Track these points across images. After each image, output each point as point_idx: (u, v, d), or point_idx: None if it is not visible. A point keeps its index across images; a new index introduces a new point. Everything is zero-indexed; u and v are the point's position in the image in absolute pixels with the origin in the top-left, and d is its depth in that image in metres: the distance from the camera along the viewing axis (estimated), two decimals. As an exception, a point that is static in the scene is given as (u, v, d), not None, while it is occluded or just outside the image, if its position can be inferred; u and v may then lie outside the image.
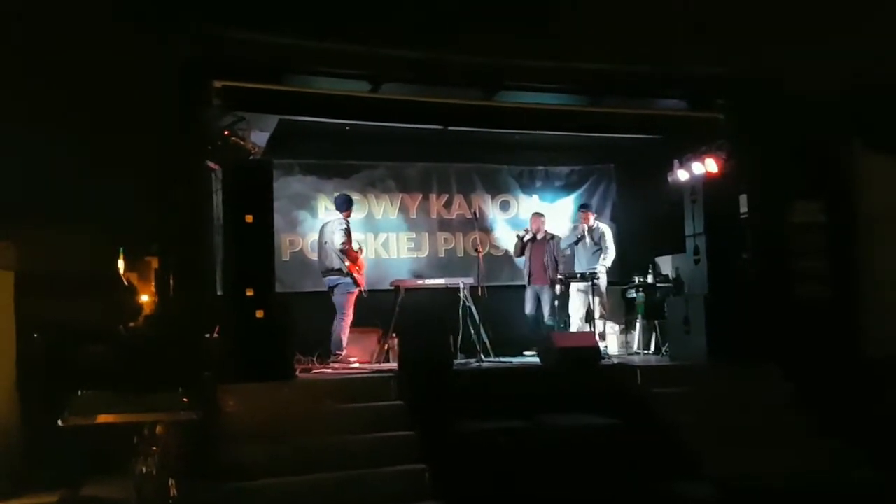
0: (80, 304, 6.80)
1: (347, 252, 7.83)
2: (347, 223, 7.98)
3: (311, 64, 6.88)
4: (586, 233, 8.75)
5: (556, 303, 8.59)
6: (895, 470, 5.96)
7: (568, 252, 8.95)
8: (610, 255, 8.69)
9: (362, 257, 8.19)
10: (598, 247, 8.70)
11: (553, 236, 8.78)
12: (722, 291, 7.35)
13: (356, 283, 7.88)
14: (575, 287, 8.65)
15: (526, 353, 8.39)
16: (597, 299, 8.43)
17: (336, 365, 7.65)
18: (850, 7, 6.99)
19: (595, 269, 8.49)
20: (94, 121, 6.60)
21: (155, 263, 7.75)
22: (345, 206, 8.09)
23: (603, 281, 8.60)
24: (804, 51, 7.24)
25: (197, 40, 6.35)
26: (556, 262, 8.59)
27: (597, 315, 8.45)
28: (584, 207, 9.06)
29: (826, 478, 5.88)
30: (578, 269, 8.62)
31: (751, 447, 6.18)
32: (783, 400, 6.84)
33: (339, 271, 7.85)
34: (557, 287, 8.56)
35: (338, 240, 7.79)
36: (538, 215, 8.92)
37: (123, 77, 6.49)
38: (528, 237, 8.72)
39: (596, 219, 9.06)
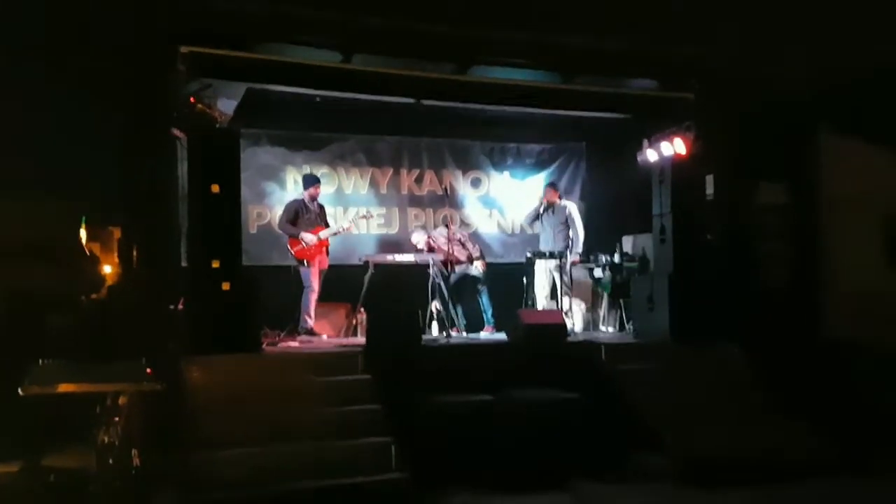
0: (41, 274, 6.67)
1: (284, 230, 7.91)
2: (298, 201, 8.01)
3: (282, 31, 6.75)
4: (545, 209, 8.75)
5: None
6: (851, 446, 6.16)
7: (531, 229, 8.96)
8: (580, 237, 8.72)
9: (321, 234, 7.95)
10: (565, 225, 8.73)
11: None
12: (686, 271, 7.45)
13: (297, 259, 7.88)
14: (540, 265, 8.68)
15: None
16: (558, 276, 8.46)
17: (303, 338, 7.63)
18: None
19: (561, 248, 8.51)
20: (56, 87, 6.42)
21: (118, 233, 7.61)
22: (303, 183, 8.19)
23: (573, 259, 8.65)
24: (775, 35, 7.32)
25: (163, 5, 6.19)
26: (462, 244, 8.65)
27: (559, 292, 8.51)
28: (551, 185, 9.08)
29: (783, 452, 6.05)
30: (543, 247, 8.65)
31: (711, 423, 6.32)
32: (743, 378, 6.99)
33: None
34: (457, 267, 8.54)
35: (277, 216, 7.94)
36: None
37: (86, 42, 6.32)
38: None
39: (562, 198, 9.08)
